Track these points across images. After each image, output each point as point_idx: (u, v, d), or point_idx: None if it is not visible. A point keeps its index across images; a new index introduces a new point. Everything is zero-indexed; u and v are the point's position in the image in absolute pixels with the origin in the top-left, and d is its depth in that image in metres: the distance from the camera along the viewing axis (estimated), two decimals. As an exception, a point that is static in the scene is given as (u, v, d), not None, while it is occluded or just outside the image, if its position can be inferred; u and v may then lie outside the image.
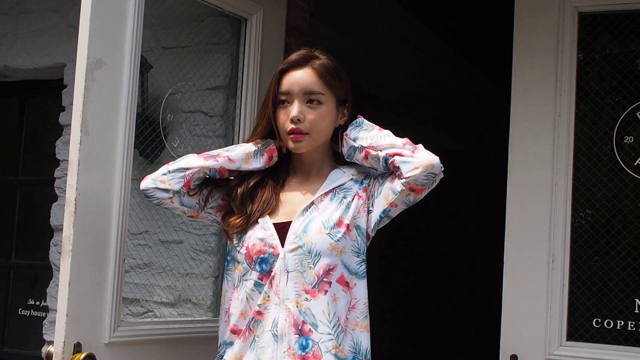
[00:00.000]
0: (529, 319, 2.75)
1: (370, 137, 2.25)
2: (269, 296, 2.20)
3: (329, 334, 2.17)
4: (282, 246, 2.21)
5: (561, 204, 2.74)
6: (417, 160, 2.14)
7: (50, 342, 2.39)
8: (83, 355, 2.38)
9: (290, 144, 2.27)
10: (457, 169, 3.26)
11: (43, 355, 2.36)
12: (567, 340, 2.71)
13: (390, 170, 2.22)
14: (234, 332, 2.26)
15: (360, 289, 2.25)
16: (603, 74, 2.78)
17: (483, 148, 7.39)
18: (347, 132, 2.30)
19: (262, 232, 2.24)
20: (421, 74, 6.13)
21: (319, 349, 2.16)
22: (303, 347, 2.16)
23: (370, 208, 2.27)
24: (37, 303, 3.87)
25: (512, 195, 2.82)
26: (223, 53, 3.10)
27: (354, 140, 2.27)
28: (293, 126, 2.24)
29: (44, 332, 3.54)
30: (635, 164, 2.70)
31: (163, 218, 3.05)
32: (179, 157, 2.95)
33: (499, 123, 3.82)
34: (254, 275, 2.23)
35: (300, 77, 2.26)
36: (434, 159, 2.15)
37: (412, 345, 8.28)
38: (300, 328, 2.17)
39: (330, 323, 2.18)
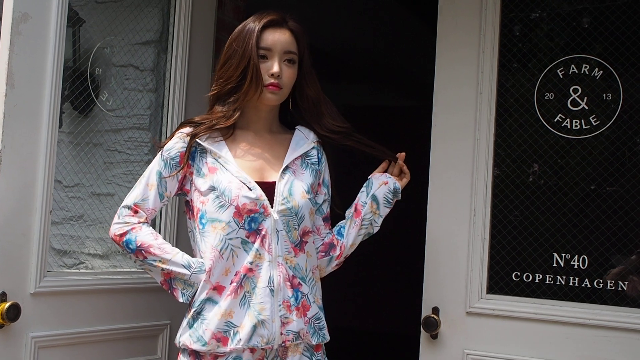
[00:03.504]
0: (450, 272, 2.80)
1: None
2: (260, 254, 2.33)
3: (311, 285, 2.43)
4: (272, 206, 2.34)
5: (483, 158, 2.78)
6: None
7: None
8: (7, 305, 2.42)
9: (268, 95, 2.42)
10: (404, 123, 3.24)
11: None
12: (487, 293, 2.77)
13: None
14: (215, 288, 2.32)
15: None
16: (525, 32, 2.82)
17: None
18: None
19: (249, 192, 2.33)
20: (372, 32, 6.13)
21: (307, 300, 2.41)
22: (296, 299, 2.36)
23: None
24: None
25: (435, 147, 2.87)
26: (154, 7, 3.10)
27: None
28: (273, 80, 2.40)
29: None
30: (555, 120, 2.75)
31: (98, 171, 3.07)
32: (109, 111, 2.99)
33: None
34: (242, 234, 2.32)
35: (282, 36, 2.43)
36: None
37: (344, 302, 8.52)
38: (291, 282, 2.36)
39: (307, 276, 2.42)
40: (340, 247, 2.56)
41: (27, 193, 2.50)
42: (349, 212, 2.60)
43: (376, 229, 2.61)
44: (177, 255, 2.37)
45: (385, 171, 2.65)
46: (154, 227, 3.02)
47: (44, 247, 2.55)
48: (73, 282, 2.70)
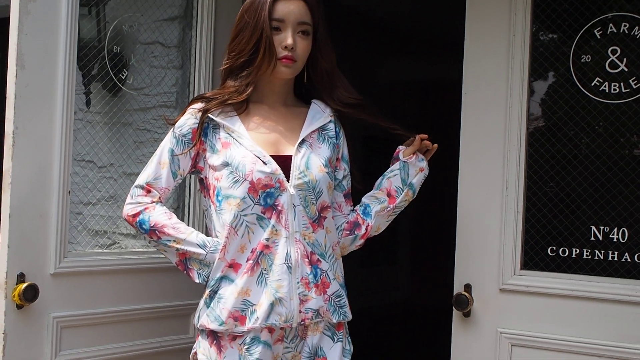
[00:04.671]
0: (482, 247, 2.67)
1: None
2: (277, 230, 2.26)
3: (331, 262, 2.35)
4: (288, 180, 2.27)
5: (515, 127, 2.63)
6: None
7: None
8: (24, 285, 2.43)
9: (282, 69, 2.33)
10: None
11: (-7, 285, 2.42)
12: (522, 269, 2.63)
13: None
14: (231, 266, 2.27)
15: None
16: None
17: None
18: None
19: (264, 166, 2.26)
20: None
21: (327, 277, 2.33)
22: (315, 276, 2.28)
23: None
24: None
25: (465, 119, 2.73)
26: (179, -18, 3.06)
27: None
28: (286, 53, 2.31)
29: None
30: (592, 84, 2.57)
31: (128, 150, 3.06)
32: (136, 90, 2.95)
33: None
34: (257, 210, 2.26)
35: (295, 7, 2.33)
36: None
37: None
38: (310, 259, 2.28)
39: (326, 253, 2.34)
40: (367, 227, 2.46)
41: (43, 174, 2.50)
42: (381, 196, 2.48)
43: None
44: (192, 235, 2.32)
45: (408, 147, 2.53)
46: (182, 214, 3.01)
47: (63, 228, 2.56)
48: (95, 262, 2.70)
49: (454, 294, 2.70)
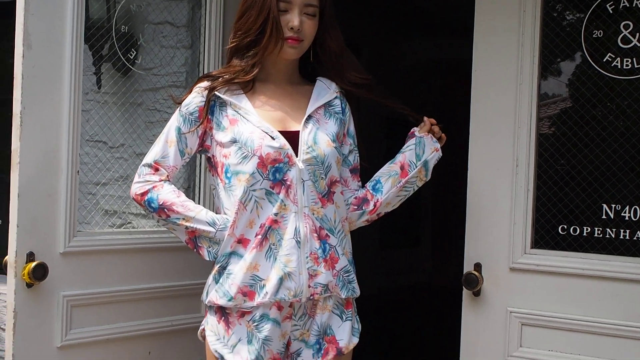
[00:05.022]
0: (492, 226, 2.64)
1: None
2: (285, 205, 2.26)
3: (340, 238, 2.35)
4: (296, 155, 2.27)
5: (526, 104, 2.59)
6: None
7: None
8: (34, 264, 2.45)
9: (288, 49, 2.33)
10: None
11: (2, 264, 2.44)
12: (532, 248, 2.60)
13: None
14: (240, 241, 2.27)
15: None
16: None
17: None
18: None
19: (273, 141, 2.26)
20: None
21: (335, 252, 2.33)
22: (323, 251, 2.29)
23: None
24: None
25: (476, 96, 2.69)
26: (187, -39, 3.05)
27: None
28: (292, 34, 2.30)
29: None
30: (604, 60, 2.52)
31: (138, 131, 3.07)
32: (146, 70, 2.95)
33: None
34: (266, 185, 2.26)
35: None
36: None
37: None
38: (318, 234, 2.28)
39: (335, 228, 2.34)
40: (375, 202, 2.45)
41: (52, 154, 2.52)
42: (393, 169, 2.47)
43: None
44: (201, 213, 2.32)
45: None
46: (192, 193, 3.01)
47: (72, 207, 2.57)
48: (105, 241, 2.72)
49: (464, 272, 2.68)
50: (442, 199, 9.10)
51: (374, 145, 6.07)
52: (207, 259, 2.33)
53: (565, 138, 2.59)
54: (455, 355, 2.74)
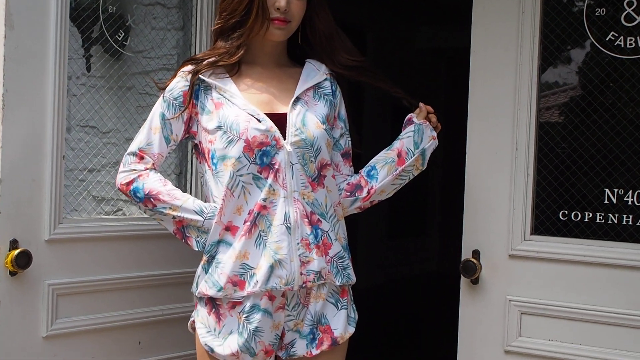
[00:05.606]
0: (491, 212, 2.56)
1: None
2: (274, 189, 2.18)
3: (332, 223, 2.26)
4: (284, 138, 2.19)
5: (525, 85, 2.50)
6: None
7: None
8: (17, 252, 2.39)
9: (274, 31, 2.26)
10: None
11: (-15, 252, 2.37)
12: (532, 234, 2.52)
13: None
14: (228, 229, 2.20)
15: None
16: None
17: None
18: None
19: (259, 124, 2.18)
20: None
21: (328, 237, 2.25)
22: (315, 237, 2.20)
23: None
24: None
25: (474, 79, 2.60)
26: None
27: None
28: (279, 15, 2.23)
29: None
30: (607, 38, 2.42)
31: (129, 115, 2.99)
32: (137, 52, 2.87)
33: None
34: (253, 169, 2.18)
35: None
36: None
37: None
38: (309, 219, 2.20)
39: (327, 213, 2.26)
40: (369, 189, 2.37)
41: (36, 138, 2.45)
42: (390, 156, 2.38)
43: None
44: (188, 201, 2.24)
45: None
46: (184, 180, 2.95)
47: (57, 193, 2.50)
48: (92, 228, 2.65)
49: (462, 260, 2.60)
50: (450, 186, 9.00)
51: (381, 135, 5.99)
52: (196, 249, 2.25)
53: (567, 120, 2.50)
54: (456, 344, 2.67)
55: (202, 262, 2.24)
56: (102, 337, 2.64)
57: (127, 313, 2.71)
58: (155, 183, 2.25)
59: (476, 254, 2.58)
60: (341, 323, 2.28)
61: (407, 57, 8.69)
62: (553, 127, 2.51)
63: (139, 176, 2.27)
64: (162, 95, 2.30)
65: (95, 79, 2.96)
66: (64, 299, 2.53)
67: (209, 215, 2.21)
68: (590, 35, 2.45)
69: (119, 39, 2.87)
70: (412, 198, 8.62)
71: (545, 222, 2.52)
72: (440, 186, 9.70)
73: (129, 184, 2.27)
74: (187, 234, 2.25)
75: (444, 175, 9.48)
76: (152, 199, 2.24)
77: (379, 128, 7.72)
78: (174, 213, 2.23)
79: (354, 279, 2.32)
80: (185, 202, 2.23)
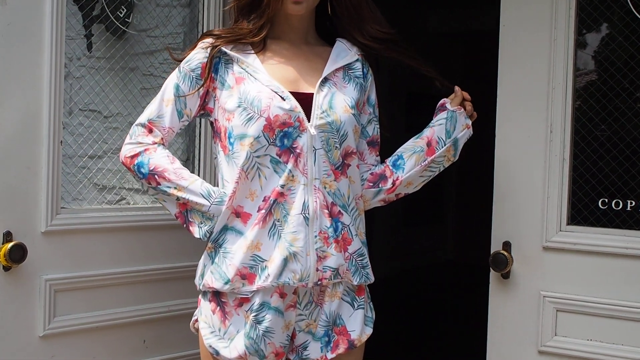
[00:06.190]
0: (523, 200, 2.38)
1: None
2: (293, 176, 2.00)
3: (353, 216, 2.10)
4: (308, 120, 2.02)
5: (561, 61, 2.31)
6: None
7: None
8: (10, 245, 2.24)
9: (291, 6, 2.07)
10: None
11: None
12: (568, 224, 2.34)
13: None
14: (239, 215, 2.01)
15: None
16: None
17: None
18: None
19: (283, 102, 1.99)
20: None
21: (348, 232, 2.08)
22: (335, 230, 2.04)
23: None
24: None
25: (504, 57, 2.41)
26: None
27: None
28: None
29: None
30: (652, 10, 2.24)
31: (129, 98, 2.84)
32: (141, 31, 2.70)
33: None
34: (272, 151, 1.99)
35: None
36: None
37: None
38: (330, 210, 2.04)
39: (349, 205, 2.09)
40: (394, 180, 2.17)
41: (32, 122, 2.29)
42: (418, 145, 2.18)
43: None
44: (196, 183, 2.05)
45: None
46: (192, 166, 2.79)
47: (54, 181, 2.35)
48: (92, 219, 2.49)
49: (491, 252, 2.42)
50: (468, 174, 8.83)
51: (394, 122, 5.83)
52: (197, 236, 2.06)
53: (607, 99, 2.31)
54: (482, 339, 2.48)
55: (207, 251, 2.06)
56: (104, 335, 2.50)
57: (130, 310, 2.57)
58: (162, 159, 2.06)
59: (507, 246, 2.40)
60: (358, 324, 2.10)
61: (418, 41, 8.50)
62: (591, 108, 2.32)
63: (145, 150, 2.07)
64: (178, 67, 2.12)
65: (97, 59, 2.82)
66: (62, 295, 2.38)
67: (216, 200, 2.02)
68: (631, 6, 2.25)
69: (121, 16, 2.70)
70: (428, 185, 8.49)
71: (582, 211, 2.35)
72: (456, 173, 9.53)
73: (133, 157, 2.07)
74: (190, 219, 2.07)
75: (461, 161, 9.32)
76: (156, 176, 2.05)
77: (392, 115, 7.57)
78: (179, 194, 2.04)
79: (372, 279, 2.13)
80: (192, 184, 2.04)
